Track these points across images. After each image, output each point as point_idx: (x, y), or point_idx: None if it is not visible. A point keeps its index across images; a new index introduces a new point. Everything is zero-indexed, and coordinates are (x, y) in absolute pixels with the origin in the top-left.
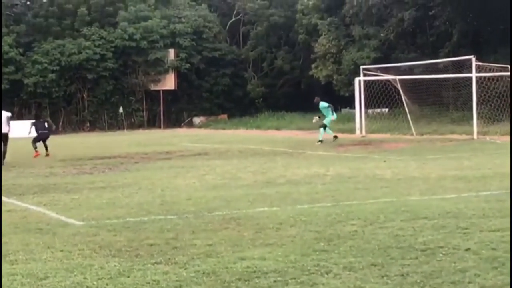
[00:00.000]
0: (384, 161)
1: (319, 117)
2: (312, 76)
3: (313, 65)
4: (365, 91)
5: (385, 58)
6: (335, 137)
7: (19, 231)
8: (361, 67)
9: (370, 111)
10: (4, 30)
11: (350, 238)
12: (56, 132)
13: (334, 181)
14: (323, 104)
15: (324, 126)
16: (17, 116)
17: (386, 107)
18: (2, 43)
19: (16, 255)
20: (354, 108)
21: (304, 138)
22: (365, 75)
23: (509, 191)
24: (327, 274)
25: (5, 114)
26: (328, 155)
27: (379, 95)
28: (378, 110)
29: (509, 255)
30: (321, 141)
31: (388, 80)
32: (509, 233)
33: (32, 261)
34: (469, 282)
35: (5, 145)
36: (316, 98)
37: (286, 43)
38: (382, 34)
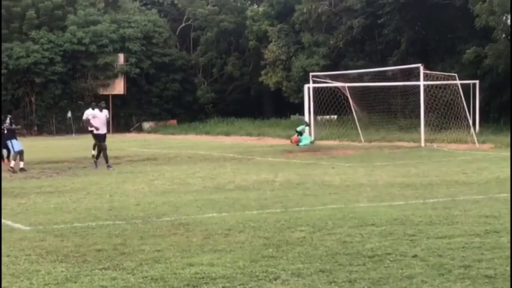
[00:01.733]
0: (333, 168)
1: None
2: (261, 83)
3: (262, 72)
4: (314, 98)
5: (334, 65)
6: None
7: None
8: (311, 74)
9: (319, 117)
10: None
11: (299, 244)
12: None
13: (283, 187)
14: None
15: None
16: None
17: (335, 114)
18: None
19: None
20: (303, 114)
21: (254, 144)
22: (314, 82)
23: (454, 199)
24: (275, 280)
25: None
26: (277, 161)
27: (328, 102)
28: (327, 117)
29: (455, 262)
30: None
31: (337, 87)
32: (455, 240)
33: None
34: None
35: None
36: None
37: (236, 49)
38: (331, 42)
